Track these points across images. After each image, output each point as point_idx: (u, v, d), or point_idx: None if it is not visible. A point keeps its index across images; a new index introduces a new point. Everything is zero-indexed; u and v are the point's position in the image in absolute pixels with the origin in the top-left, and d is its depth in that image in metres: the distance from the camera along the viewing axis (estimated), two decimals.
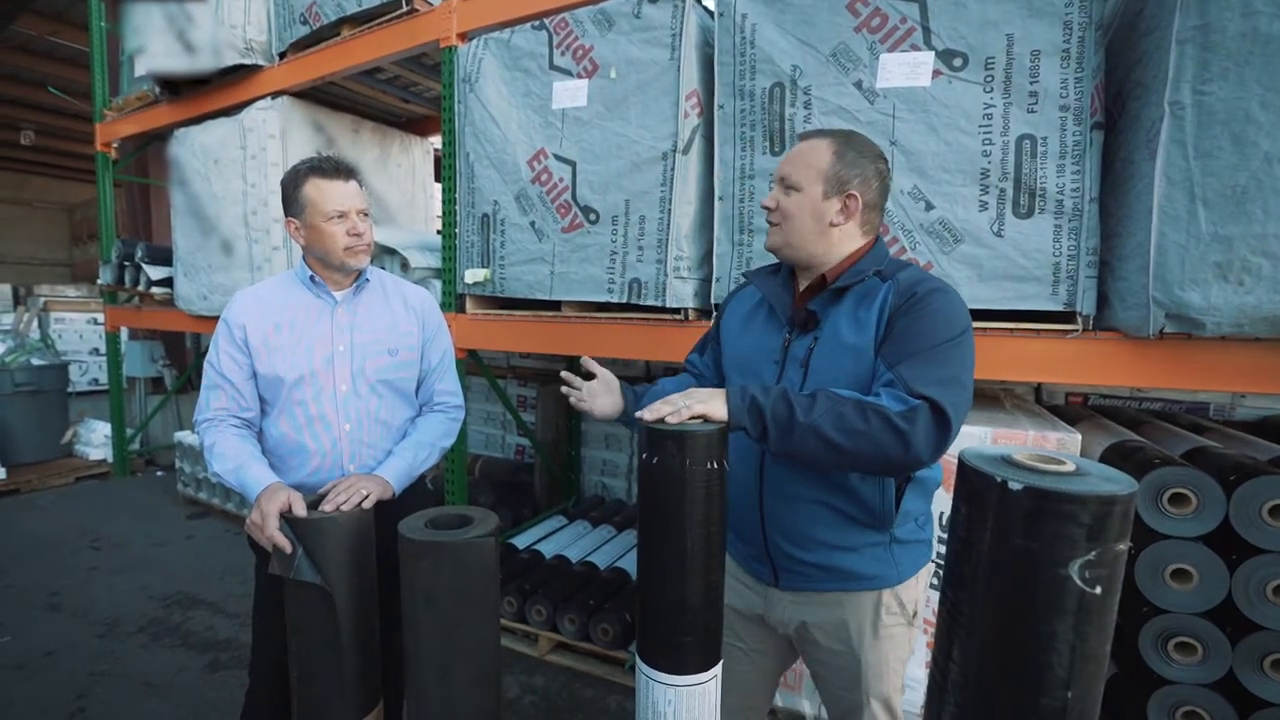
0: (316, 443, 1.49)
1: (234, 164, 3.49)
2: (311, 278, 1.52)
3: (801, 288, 1.23)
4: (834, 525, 1.16)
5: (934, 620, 0.80)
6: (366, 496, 1.33)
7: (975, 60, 1.70)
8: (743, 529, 1.25)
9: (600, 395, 1.30)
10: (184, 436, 4.49)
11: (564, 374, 1.33)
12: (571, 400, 1.30)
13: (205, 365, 1.49)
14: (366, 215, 1.49)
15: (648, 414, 1.00)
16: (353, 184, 1.46)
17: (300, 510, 1.24)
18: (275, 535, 1.21)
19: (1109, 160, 1.69)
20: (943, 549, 1.83)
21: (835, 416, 0.98)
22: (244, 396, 1.47)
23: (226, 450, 1.39)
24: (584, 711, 2.31)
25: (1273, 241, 1.37)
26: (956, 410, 0.99)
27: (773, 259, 1.28)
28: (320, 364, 1.48)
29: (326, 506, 1.28)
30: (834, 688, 1.26)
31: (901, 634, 1.22)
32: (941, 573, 1.13)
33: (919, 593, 1.25)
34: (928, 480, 1.21)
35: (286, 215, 1.48)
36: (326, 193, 1.42)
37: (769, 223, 1.21)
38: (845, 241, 1.17)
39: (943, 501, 1.79)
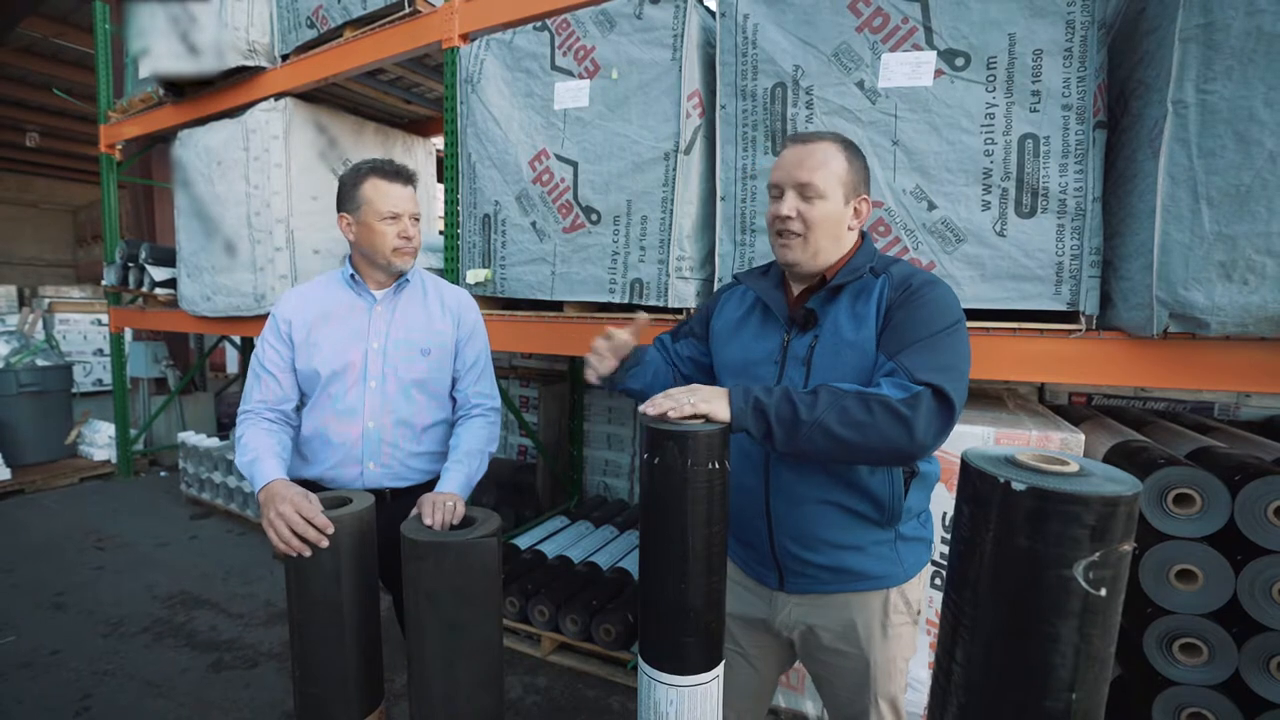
0: (339, 437, 1.51)
1: (237, 165, 3.50)
2: (352, 276, 1.56)
3: (798, 289, 1.23)
4: (843, 525, 1.16)
5: (938, 621, 0.80)
6: (454, 509, 1.32)
7: (977, 60, 1.69)
8: (747, 534, 1.24)
9: (606, 359, 1.27)
10: (187, 437, 4.50)
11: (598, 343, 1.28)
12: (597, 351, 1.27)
13: (251, 359, 1.55)
14: (417, 220, 1.53)
15: (650, 408, 1.00)
16: (410, 189, 1.52)
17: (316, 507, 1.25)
18: (325, 521, 1.21)
19: (1112, 159, 1.68)
20: (942, 551, 1.83)
21: (840, 411, 0.97)
22: (283, 387, 1.52)
23: (249, 443, 1.43)
24: (586, 711, 2.31)
25: (1277, 240, 1.36)
26: (958, 396, 1.00)
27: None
28: (354, 360, 1.51)
29: (434, 524, 1.25)
30: (840, 691, 1.26)
31: (908, 633, 1.22)
32: (945, 573, 1.12)
33: (922, 591, 1.25)
34: (929, 475, 1.21)
35: (340, 210, 1.53)
36: (385, 193, 1.47)
37: (789, 231, 1.14)
38: (849, 242, 1.18)
39: (946, 502, 1.79)
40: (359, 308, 1.55)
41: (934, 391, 0.98)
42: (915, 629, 1.24)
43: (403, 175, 1.50)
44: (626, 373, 1.30)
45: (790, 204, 1.13)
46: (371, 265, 1.54)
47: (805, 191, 1.12)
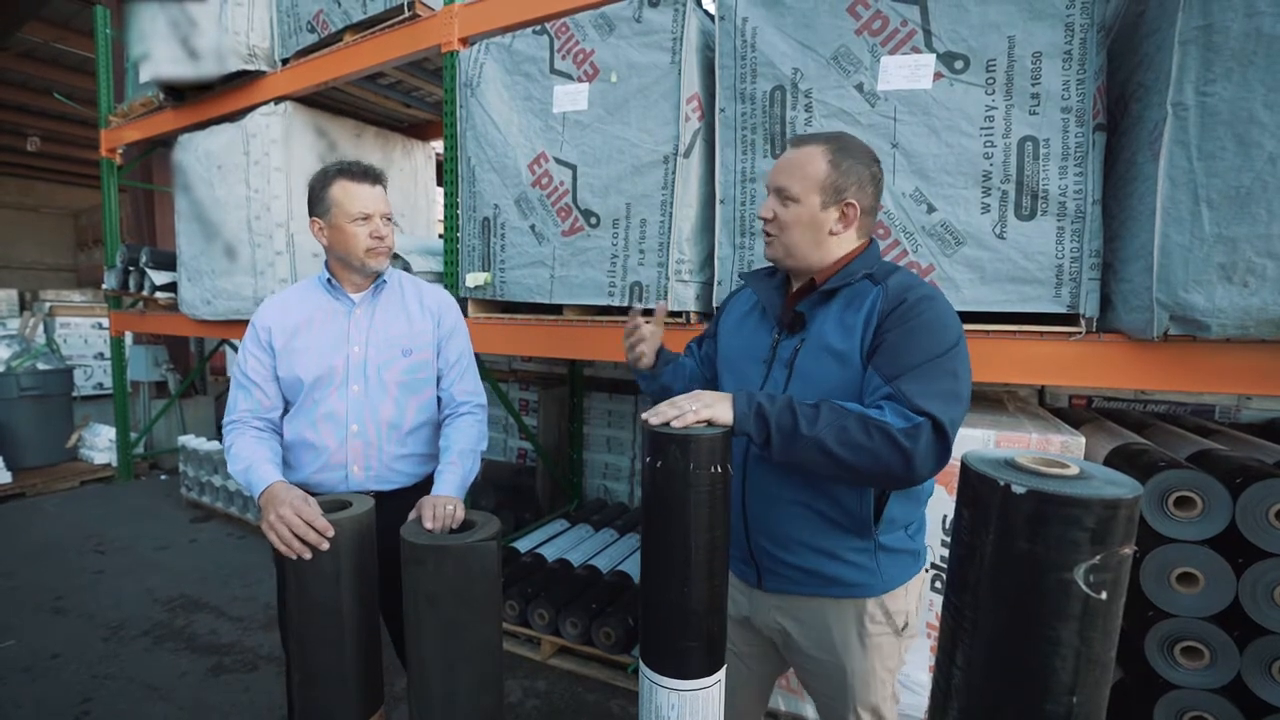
0: (323, 441, 1.51)
1: (237, 169, 3.50)
2: (329, 281, 1.55)
3: (794, 290, 1.23)
4: (815, 528, 1.16)
5: (938, 624, 0.80)
6: (454, 512, 1.31)
7: (976, 62, 1.70)
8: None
9: (651, 345, 1.38)
10: (188, 440, 4.50)
11: (637, 313, 1.39)
12: (629, 343, 1.38)
13: (234, 368, 1.55)
14: (389, 220, 1.53)
15: (653, 417, 1.00)
16: (379, 189, 1.51)
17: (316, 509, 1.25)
18: (325, 524, 1.20)
19: (1111, 162, 1.68)
20: (942, 554, 1.82)
21: (839, 430, 0.97)
22: (268, 396, 1.51)
23: (241, 451, 1.43)
24: (586, 715, 2.30)
25: (1277, 243, 1.36)
26: (955, 426, 0.99)
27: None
28: (336, 365, 1.51)
29: (433, 528, 1.24)
30: (822, 695, 1.26)
31: (889, 644, 1.20)
32: (945, 576, 1.11)
33: (909, 603, 1.22)
34: (919, 488, 1.19)
35: (311, 215, 1.52)
36: (353, 194, 1.46)
37: (766, 232, 1.20)
38: (842, 246, 1.17)
39: (946, 505, 1.78)
40: (338, 312, 1.54)
41: (934, 424, 0.96)
42: (899, 640, 1.22)
43: (370, 175, 1.49)
44: (664, 366, 1.40)
45: (768, 206, 1.19)
46: (347, 268, 1.53)
47: (781, 195, 1.16)
